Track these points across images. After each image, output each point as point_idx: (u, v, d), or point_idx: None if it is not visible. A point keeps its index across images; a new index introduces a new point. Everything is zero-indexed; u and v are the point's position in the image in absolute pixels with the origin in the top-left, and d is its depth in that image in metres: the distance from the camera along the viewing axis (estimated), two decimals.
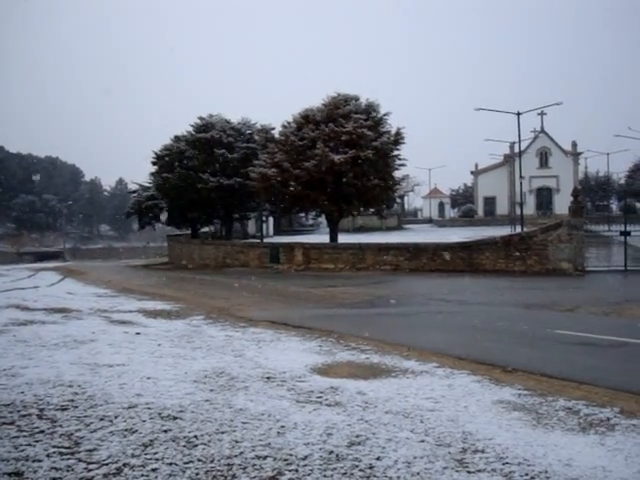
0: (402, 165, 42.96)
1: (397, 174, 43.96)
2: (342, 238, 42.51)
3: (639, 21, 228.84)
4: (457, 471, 6.11)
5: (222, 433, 7.16)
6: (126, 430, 7.19)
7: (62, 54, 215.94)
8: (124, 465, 6.15)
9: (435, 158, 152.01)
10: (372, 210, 46.96)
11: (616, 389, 9.43)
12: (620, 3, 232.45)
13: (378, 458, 6.43)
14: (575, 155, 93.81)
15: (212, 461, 6.30)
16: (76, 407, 8.10)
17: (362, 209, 46.19)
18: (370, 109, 40.86)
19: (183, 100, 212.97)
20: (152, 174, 52.73)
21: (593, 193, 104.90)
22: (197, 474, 5.97)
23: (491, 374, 10.57)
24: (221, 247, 45.98)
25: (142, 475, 5.92)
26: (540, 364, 11.22)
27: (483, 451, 6.69)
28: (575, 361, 11.64)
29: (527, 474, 6.04)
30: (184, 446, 6.71)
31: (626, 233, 32.64)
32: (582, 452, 6.68)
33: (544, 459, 6.44)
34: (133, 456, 6.38)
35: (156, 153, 50.97)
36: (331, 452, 6.59)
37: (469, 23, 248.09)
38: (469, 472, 6.10)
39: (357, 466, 6.21)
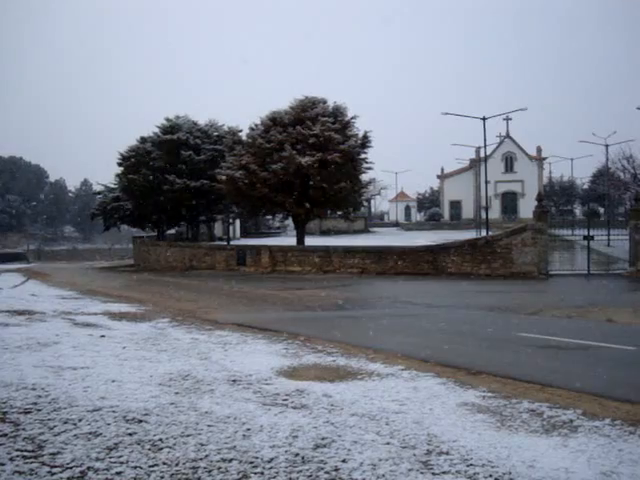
0: (369, 168, 43.20)
1: (364, 177, 44.20)
2: (309, 241, 42.55)
3: (603, 27, 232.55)
4: (422, 473, 6.16)
5: (187, 436, 7.13)
6: (90, 433, 7.14)
7: (25, 53, 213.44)
8: (88, 469, 6.10)
9: (402, 162, 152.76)
10: (339, 213, 47.08)
11: (579, 391, 9.56)
12: (585, 9, 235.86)
13: (344, 460, 6.45)
14: (540, 160, 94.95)
15: (177, 464, 6.27)
16: (39, 410, 8.02)
17: (329, 212, 46.30)
18: (338, 112, 40.95)
19: (150, 101, 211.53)
20: (117, 175, 52.29)
21: (557, 198, 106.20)
22: (162, 477, 5.94)
23: (456, 377, 10.65)
24: (187, 249, 45.71)
25: (106, 478, 5.87)
26: (504, 367, 11.34)
27: (448, 453, 6.75)
28: (539, 364, 11.77)
29: (491, 475, 6.11)
30: (149, 449, 6.68)
31: (589, 237, 33.12)
32: (545, 453, 6.77)
33: (508, 460, 6.51)
34: (97, 459, 6.33)
35: (122, 154, 50.56)
36: (297, 454, 6.60)
37: (436, 28, 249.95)
38: (434, 474, 6.15)
39: (323, 468, 6.22)
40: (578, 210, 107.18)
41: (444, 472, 6.19)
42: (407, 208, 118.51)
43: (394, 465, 6.34)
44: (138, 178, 46.93)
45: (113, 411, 8.00)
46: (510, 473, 6.16)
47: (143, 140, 50.07)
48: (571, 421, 8.01)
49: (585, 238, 33.39)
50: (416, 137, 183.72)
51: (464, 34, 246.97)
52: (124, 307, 21.41)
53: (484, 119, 53.48)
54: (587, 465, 6.42)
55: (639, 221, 30.78)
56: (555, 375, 10.65)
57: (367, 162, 42.13)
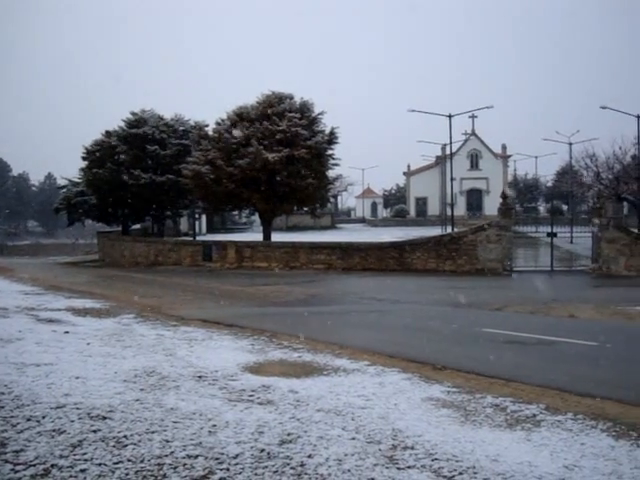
0: (336, 165, 43.19)
1: (331, 173, 44.17)
2: (275, 237, 42.49)
3: (569, 27, 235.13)
4: (387, 468, 6.20)
5: (152, 433, 7.09)
6: (54, 430, 7.07)
7: None
8: (52, 466, 6.04)
9: (368, 158, 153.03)
10: (306, 209, 46.98)
11: (542, 386, 9.70)
12: (551, 8, 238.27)
13: (309, 456, 6.47)
14: (505, 158, 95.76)
15: (142, 461, 6.24)
16: (2, 407, 7.92)
17: (296, 208, 46.23)
18: (304, 108, 40.90)
19: (116, 95, 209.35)
20: (82, 169, 51.65)
21: (522, 195, 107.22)
22: (127, 474, 5.91)
23: (421, 372, 10.73)
24: (153, 245, 45.36)
25: (70, 476, 5.83)
26: (469, 362, 11.45)
27: (413, 448, 6.80)
28: (503, 359, 11.91)
29: (455, 470, 6.17)
30: (114, 446, 6.63)
31: (552, 234, 33.52)
32: (509, 448, 6.85)
33: (472, 455, 6.58)
34: (61, 457, 6.28)
35: (86, 148, 49.99)
36: (262, 450, 6.60)
37: (403, 24, 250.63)
38: (399, 468, 6.19)
39: (288, 464, 6.24)
40: (542, 207, 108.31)
41: (409, 467, 6.24)
42: (373, 204, 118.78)
43: (360, 460, 6.37)
44: (103, 172, 46.44)
45: (77, 408, 7.93)
46: (474, 467, 6.22)
47: (108, 134, 49.53)
48: (534, 416, 8.12)
49: (549, 235, 33.79)
50: (383, 134, 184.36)
51: (431, 32, 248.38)
52: (88, 303, 21.21)
53: (450, 116, 53.82)
54: (550, 459, 6.51)
55: (601, 219, 31.23)
56: (519, 370, 10.78)
57: (334, 158, 42.17)
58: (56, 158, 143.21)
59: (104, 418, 7.57)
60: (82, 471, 5.94)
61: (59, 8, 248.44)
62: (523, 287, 26.93)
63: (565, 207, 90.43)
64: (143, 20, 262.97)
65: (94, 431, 7.08)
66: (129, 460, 6.25)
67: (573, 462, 6.40)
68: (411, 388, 9.52)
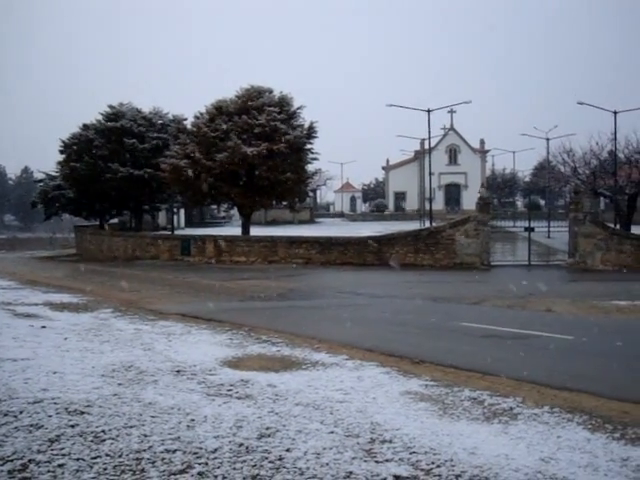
0: (315, 159, 43.11)
1: (310, 168, 44.06)
2: (254, 231, 42.39)
3: (548, 23, 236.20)
4: (365, 461, 6.23)
5: (131, 427, 7.08)
6: (31, 426, 7.03)
7: None
8: (29, 461, 6.01)
9: (347, 153, 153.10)
10: (285, 203, 46.91)
11: (519, 379, 9.79)
12: (529, 5, 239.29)
13: (288, 450, 6.49)
14: (483, 153, 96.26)
15: (120, 456, 6.23)
16: None
17: (274, 202, 46.16)
18: (284, 102, 40.78)
19: (94, 88, 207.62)
20: (59, 163, 51.14)
21: (500, 190, 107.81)
22: (105, 469, 5.90)
23: (399, 366, 10.78)
24: (131, 239, 45.11)
25: (48, 471, 5.80)
26: (447, 356, 11.52)
27: (391, 441, 6.84)
28: (480, 353, 12.00)
29: (433, 463, 6.21)
30: (91, 441, 6.61)
31: (530, 229, 33.76)
32: (486, 441, 6.91)
33: (450, 448, 6.63)
34: (39, 452, 6.25)
35: (64, 141, 49.52)
36: (241, 444, 6.61)
37: (382, 19, 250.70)
38: (377, 462, 6.22)
39: (267, 458, 6.25)
40: (520, 202, 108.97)
41: (387, 460, 6.27)
42: (352, 199, 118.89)
43: (338, 454, 6.40)
44: (80, 166, 46.03)
45: (55, 403, 7.89)
46: (452, 460, 6.27)
47: (86, 127, 49.08)
48: (511, 409, 8.19)
49: (526, 230, 34.02)
50: (362, 128, 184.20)
51: (411, 27, 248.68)
52: (66, 297, 21.08)
53: (429, 111, 53.96)
54: (527, 451, 6.58)
55: (578, 213, 31.49)
56: (496, 364, 10.86)
57: (313, 153, 42.10)
58: (33, 152, 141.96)
59: (82, 413, 7.54)
60: (60, 466, 5.92)
61: (35, 2, 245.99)
62: (501, 281, 27.09)
63: (542, 202, 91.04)
64: (122, 13, 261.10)
65: (72, 426, 7.05)
66: (107, 455, 6.24)
67: (549, 455, 6.47)
68: (389, 382, 9.57)
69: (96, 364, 10.38)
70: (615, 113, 43.04)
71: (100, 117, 49.35)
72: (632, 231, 36.81)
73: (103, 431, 6.92)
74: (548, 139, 64.32)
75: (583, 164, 46.58)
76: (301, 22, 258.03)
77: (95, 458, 6.14)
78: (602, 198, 51.11)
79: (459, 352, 11.98)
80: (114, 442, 6.60)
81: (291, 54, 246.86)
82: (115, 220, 58.63)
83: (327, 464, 6.11)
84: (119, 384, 9.08)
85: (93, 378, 9.37)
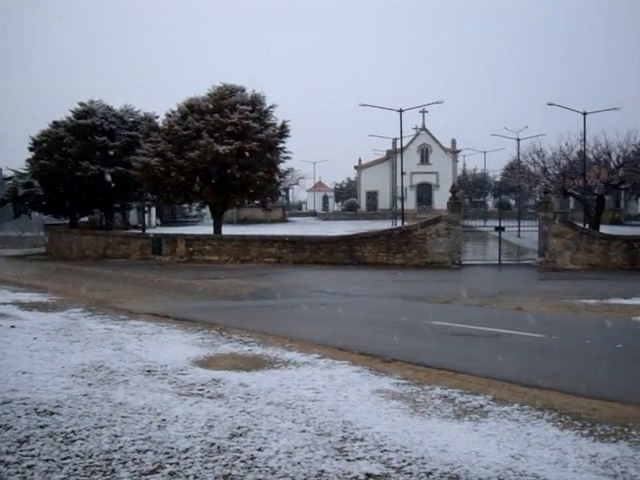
0: (287, 158, 43.07)
1: (282, 167, 44.02)
2: (226, 230, 42.27)
3: (518, 23, 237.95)
4: (337, 460, 6.25)
5: (101, 428, 7.03)
6: (0, 426, 6.95)
7: None
8: None
9: (320, 152, 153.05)
10: (257, 202, 46.80)
11: (490, 377, 9.88)
12: (499, 5, 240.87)
13: (260, 449, 6.49)
14: (454, 152, 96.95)
15: (90, 456, 6.18)
16: None
17: (247, 201, 46.02)
18: (256, 101, 40.71)
19: (65, 85, 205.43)
20: (29, 161, 50.58)
21: (471, 189, 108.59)
22: (75, 470, 5.85)
23: (371, 364, 10.82)
24: (101, 237, 44.72)
25: (17, 472, 5.75)
26: (418, 354, 11.59)
27: (362, 439, 6.86)
28: (451, 351, 12.09)
29: (404, 460, 6.25)
30: (61, 442, 6.56)
31: (500, 229, 34.07)
32: (457, 438, 6.96)
33: (421, 446, 6.67)
34: (8, 453, 6.19)
35: (33, 139, 48.95)
36: (212, 444, 6.59)
37: (354, 18, 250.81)
38: (349, 460, 6.24)
39: (239, 457, 6.24)
40: (490, 202, 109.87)
41: (359, 458, 6.30)
42: (325, 198, 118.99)
43: (310, 452, 6.41)
44: (50, 164, 45.58)
45: (24, 403, 7.81)
46: (423, 458, 6.31)
47: (56, 125, 48.58)
48: (481, 406, 8.26)
49: (497, 229, 34.33)
50: (334, 128, 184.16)
51: (382, 26, 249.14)
52: (35, 297, 20.85)
53: (401, 111, 54.07)
54: (497, 449, 6.64)
55: (548, 213, 31.83)
56: (467, 362, 10.95)
57: (285, 151, 42.07)
58: (1, 149, 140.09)
59: (51, 413, 7.48)
60: (29, 467, 5.87)
61: None
62: (471, 280, 27.29)
63: (513, 202, 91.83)
64: (91, 10, 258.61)
65: (41, 427, 6.99)
66: (77, 455, 6.19)
67: (519, 452, 6.53)
68: (361, 380, 9.60)
69: (66, 364, 10.29)
70: (584, 114, 43.51)
71: (70, 114, 48.89)
72: (601, 231, 37.31)
73: (73, 432, 6.87)
74: (519, 139, 64.80)
75: (553, 164, 47.16)
76: (274, 21, 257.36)
77: (65, 459, 6.09)
78: (571, 198, 51.66)
79: (430, 350, 12.06)
80: (84, 443, 6.55)
81: (264, 54, 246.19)
82: (85, 218, 58.11)
83: (299, 463, 6.12)
84: (89, 384, 9.02)
85: (63, 378, 9.29)
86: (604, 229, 39.21)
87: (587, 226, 40.04)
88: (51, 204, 52.26)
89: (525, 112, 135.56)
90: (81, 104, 49.31)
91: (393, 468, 6.07)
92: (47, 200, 51.26)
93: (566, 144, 46.75)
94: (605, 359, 11.30)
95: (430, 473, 5.95)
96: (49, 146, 46.94)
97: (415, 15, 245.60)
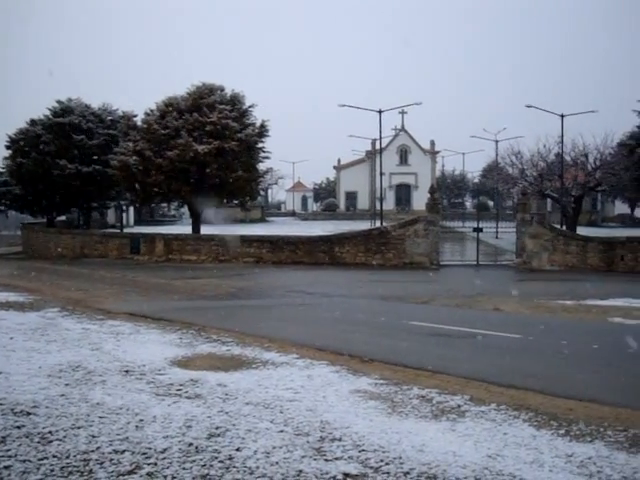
0: (266, 157, 43.07)
1: (261, 166, 44.02)
2: (205, 229, 42.16)
3: (497, 25, 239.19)
4: (315, 459, 6.26)
5: (78, 428, 7.00)
6: None
7: None
8: None
9: (299, 152, 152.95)
10: (236, 202, 46.77)
11: (467, 377, 9.94)
12: (478, 6, 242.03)
13: (238, 449, 6.49)
14: (433, 154, 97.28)
15: (68, 457, 6.16)
16: None
17: (226, 201, 45.97)
18: (235, 100, 40.65)
19: (42, 82, 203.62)
20: (5, 159, 50.19)
21: (449, 190, 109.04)
22: (52, 470, 5.82)
23: (349, 364, 10.84)
24: (79, 237, 44.41)
25: None
26: (396, 354, 11.63)
27: (340, 439, 6.88)
28: (429, 351, 12.14)
29: (382, 460, 6.27)
30: (38, 442, 6.52)
31: (478, 230, 34.26)
32: (434, 438, 7.00)
33: (398, 445, 6.70)
34: None
35: (10, 137, 48.52)
36: (190, 444, 6.58)
37: (333, 19, 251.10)
38: (327, 460, 6.26)
39: (217, 457, 6.24)
40: (469, 203, 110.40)
41: (337, 458, 6.32)
42: (304, 198, 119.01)
43: (288, 452, 6.42)
44: (27, 162, 45.24)
45: (0, 404, 7.76)
46: (400, 457, 6.34)
47: (33, 123, 48.22)
48: (459, 406, 8.31)
49: (475, 230, 34.52)
50: (314, 128, 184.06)
51: (360, 27, 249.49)
52: (11, 296, 20.65)
53: (380, 112, 54.19)
54: (474, 448, 6.68)
55: (525, 214, 32.05)
56: (444, 362, 11.00)
57: (264, 151, 42.07)
58: None
59: (28, 414, 7.43)
60: (6, 468, 5.83)
61: None
62: (450, 281, 27.42)
63: (491, 203, 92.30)
64: (70, 8, 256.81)
65: (18, 427, 6.95)
66: (54, 456, 6.16)
67: (496, 451, 6.58)
68: (339, 381, 9.62)
69: (43, 364, 10.22)
70: (562, 116, 43.82)
71: (48, 112, 48.55)
72: (578, 232, 37.63)
73: (50, 432, 6.83)
74: (497, 141, 65.13)
75: (531, 166, 47.43)
76: (252, 21, 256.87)
77: (42, 459, 6.06)
78: (549, 200, 51.99)
79: (408, 351, 12.10)
80: (61, 443, 6.52)
81: (243, 54, 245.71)
82: (63, 217, 57.72)
83: (277, 463, 6.13)
84: (66, 384, 8.97)
85: (40, 378, 9.23)
86: (581, 231, 39.54)
87: (564, 228, 40.34)
88: (28, 203, 51.82)
89: (504, 114, 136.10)
90: (59, 102, 48.97)
91: (371, 468, 6.09)
92: (24, 199, 50.84)
93: (544, 146, 47.07)
94: (581, 360, 11.41)
95: (408, 473, 5.98)
96: (26, 144, 46.57)
97: (394, 17, 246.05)
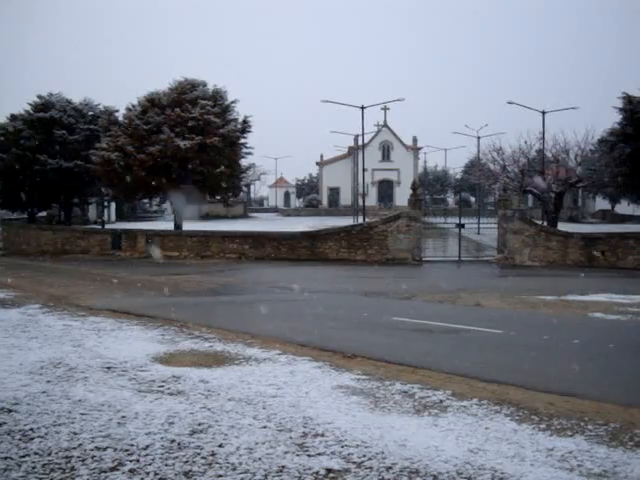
0: (249, 153, 43.12)
1: (244, 162, 44.05)
2: (187, 225, 42.06)
3: (476, 23, 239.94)
4: (298, 455, 6.27)
5: (60, 425, 6.97)
6: None
7: None
8: None
9: (282, 148, 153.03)
10: (218, 198, 46.67)
11: (449, 373, 9.98)
12: (462, 3, 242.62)
13: (220, 445, 6.49)
14: (415, 150, 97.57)
15: (49, 454, 6.13)
16: None
17: (208, 196, 45.85)
18: (218, 96, 40.54)
19: (23, 77, 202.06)
20: None
21: (431, 186, 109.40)
22: (34, 468, 5.80)
23: (332, 360, 10.86)
24: (60, 233, 44.16)
25: None
26: (379, 350, 11.66)
27: (323, 435, 6.90)
28: (411, 347, 12.18)
29: (365, 455, 6.30)
30: (20, 439, 6.49)
31: (460, 225, 34.44)
32: (417, 433, 7.03)
33: (381, 441, 6.72)
34: None
35: None
36: (173, 441, 6.58)
37: (316, 14, 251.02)
38: (309, 456, 6.27)
39: (199, 454, 6.24)
40: (451, 199, 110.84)
41: (319, 453, 6.33)
42: (286, 194, 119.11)
43: (270, 448, 6.43)
44: (8, 157, 44.94)
45: None
46: (383, 453, 6.36)
47: (13, 118, 47.87)
48: (441, 401, 8.35)
49: (457, 226, 34.70)
50: (296, 124, 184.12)
51: (344, 23, 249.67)
52: None
53: (362, 108, 54.34)
54: (456, 443, 6.72)
55: (507, 210, 32.23)
56: (427, 358, 11.05)
57: (247, 147, 42.08)
58: None
59: (9, 411, 7.40)
60: None
61: None
62: (432, 276, 27.53)
63: (473, 199, 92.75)
64: (53, 2, 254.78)
65: None
66: (36, 453, 6.14)
67: (478, 446, 6.62)
68: (322, 376, 9.63)
69: (24, 361, 10.16)
70: (543, 113, 44.15)
71: (29, 107, 48.21)
72: (559, 228, 37.88)
73: (32, 429, 6.80)
74: (479, 137, 65.62)
75: (512, 162, 47.71)
76: (235, 18, 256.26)
77: (24, 457, 6.03)
78: (530, 196, 52.30)
79: (391, 346, 12.14)
80: (43, 440, 6.49)
81: (226, 49, 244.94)
82: (44, 213, 57.36)
83: (260, 459, 6.13)
84: (48, 381, 8.92)
85: (21, 375, 9.18)
86: (562, 227, 39.82)
87: (545, 223, 40.59)
88: (8, 198, 51.43)
89: (486, 110, 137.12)
90: (39, 97, 48.64)
91: (353, 463, 6.11)
92: (4, 194, 50.45)
93: (525, 142, 47.38)
94: (562, 354, 11.49)
95: (390, 468, 6.00)
96: (6, 140, 46.24)
97: (377, 13, 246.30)
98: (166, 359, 10.80)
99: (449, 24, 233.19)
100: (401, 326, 14.34)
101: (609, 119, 54.90)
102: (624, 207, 68.24)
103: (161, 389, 8.70)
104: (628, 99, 39.87)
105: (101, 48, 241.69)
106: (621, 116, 40.55)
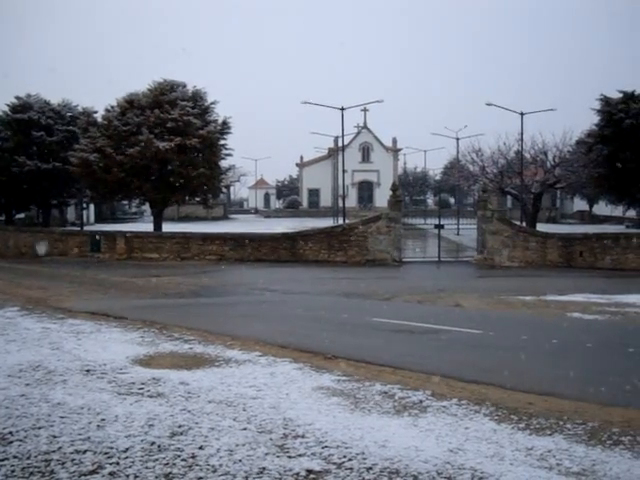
0: (229, 155, 43.00)
1: (223, 163, 43.92)
2: (167, 227, 41.91)
3: (460, 23, 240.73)
4: (278, 456, 6.28)
5: (39, 428, 6.93)
6: None
7: None
8: None
9: (262, 149, 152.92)
10: (198, 199, 46.52)
11: (429, 373, 10.02)
12: (443, 3, 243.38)
13: (201, 447, 6.48)
14: (395, 151, 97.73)
15: (29, 457, 6.10)
16: None
17: (187, 198, 45.68)
18: (197, 97, 40.44)
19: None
20: None
21: (411, 188, 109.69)
22: (13, 471, 5.76)
23: (312, 361, 10.87)
24: (38, 234, 43.78)
25: None
26: (359, 351, 11.69)
27: (303, 436, 6.91)
28: (392, 347, 12.23)
29: (345, 456, 6.31)
30: None
31: (440, 226, 34.59)
32: (397, 433, 7.06)
33: (361, 441, 6.74)
34: None
35: None
36: (153, 443, 6.56)
37: (296, 17, 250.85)
38: (290, 457, 6.28)
39: (179, 456, 6.23)
40: (430, 200, 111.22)
41: (300, 455, 6.34)
42: (266, 195, 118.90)
43: (251, 450, 6.43)
44: None
45: None
46: (363, 453, 6.39)
47: None
48: (421, 402, 8.38)
49: (436, 227, 34.85)
50: (276, 125, 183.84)
51: (324, 24, 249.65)
52: None
53: (342, 109, 54.35)
54: (436, 443, 6.75)
55: (486, 211, 32.40)
56: (407, 358, 11.09)
57: (227, 148, 41.97)
58: None
59: None
60: None
61: None
62: (412, 277, 27.63)
63: (452, 200, 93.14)
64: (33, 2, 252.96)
65: None
66: (15, 457, 6.10)
67: (457, 446, 6.66)
68: (302, 378, 9.64)
69: (2, 364, 10.09)
70: (522, 114, 44.33)
71: (6, 108, 47.84)
72: (537, 228, 38.16)
73: (10, 432, 6.76)
74: (458, 139, 65.70)
75: (491, 163, 48.03)
76: (216, 19, 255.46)
77: (2, 460, 6.00)
78: (509, 196, 52.62)
79: (371, 347, 12.17)
80: (22, 444, 6.45)
81: (205, 51, 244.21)
82: (22, 215, 56.92)
83: (240, 460, 6.13)
84: (26, 384, 8.87)
85: None
86: (540, 227, 40.14)
87: (524, 224, 40.86)
88: None
89: (465, 112, 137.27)
90: (17, 98, 48.25)
91: (334, 464, 6.13)
92: None
93: (504, 144, 47.73)
94: (541, 354, 11.58)
95: (370, 468, 6.03)
96: None
97: (356, 14, 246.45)
98: (146, 361, 10.77)
99: (429, 26, 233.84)
100: (381, 327, 14.38)
101: (587, 121, 55.35)
102: (602, 208, 68.67)
103: (141, 391, 8.68)
104: (606, 101, 40.29)
105: (81, 48, 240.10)
106: (599, 118, 40.98)
